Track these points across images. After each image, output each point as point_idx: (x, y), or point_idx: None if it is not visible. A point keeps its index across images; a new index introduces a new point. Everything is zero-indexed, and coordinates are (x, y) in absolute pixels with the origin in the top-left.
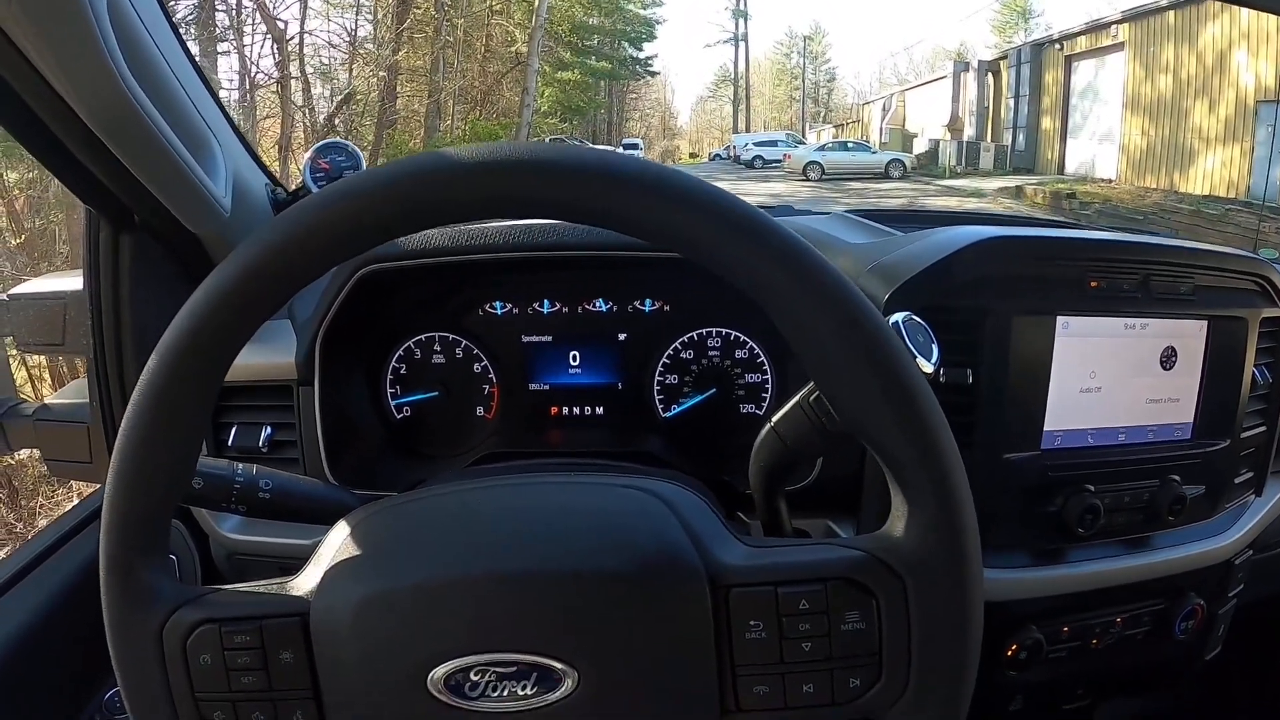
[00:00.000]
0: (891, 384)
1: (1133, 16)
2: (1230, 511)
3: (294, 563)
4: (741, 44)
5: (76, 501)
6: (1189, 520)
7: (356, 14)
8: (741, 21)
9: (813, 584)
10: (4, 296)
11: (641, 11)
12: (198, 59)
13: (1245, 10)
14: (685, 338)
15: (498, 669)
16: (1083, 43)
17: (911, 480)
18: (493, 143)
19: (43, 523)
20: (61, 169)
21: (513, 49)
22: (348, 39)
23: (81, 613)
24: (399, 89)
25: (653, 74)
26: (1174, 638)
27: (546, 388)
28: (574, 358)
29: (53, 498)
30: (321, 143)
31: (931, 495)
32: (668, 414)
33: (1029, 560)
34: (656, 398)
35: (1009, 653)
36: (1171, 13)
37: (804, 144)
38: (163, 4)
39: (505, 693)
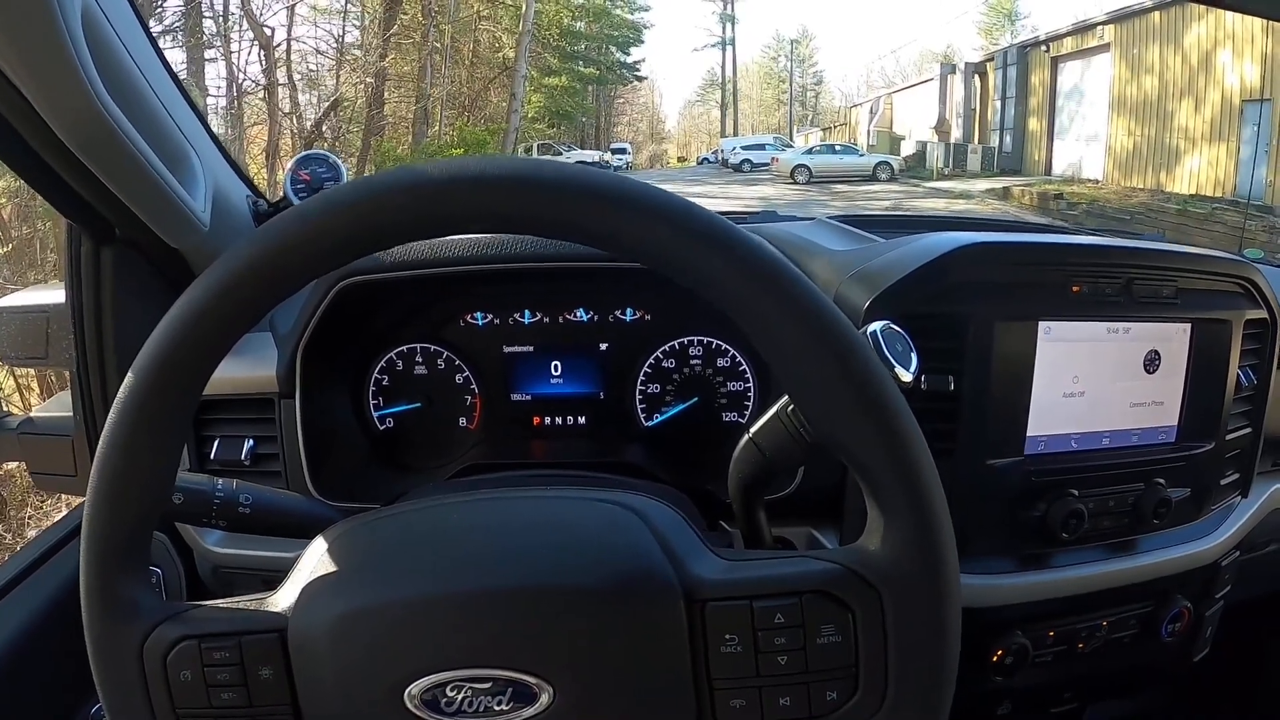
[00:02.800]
0: (865, 397)
1: (1118, 18)
2: (1216, 513)
3: (278, 575)
4: (729, 48)
5: (66, 512)
6: (1174, 523)
7: (344, 20)
8: (729, 26)
9: (788, 597)
10: None
11: (629, 16)
12: (184, 67)
13: (1229, 12)
14: (666, 346)
15: (474, 685)
16: (1069, 44)
17: (887, 493)
18: (467, 157)
19: (32, 533)
20: (41, 182)
21: (500, 55)
22: (335, 45)
23: (68, 626)
24: (386, 95)
25: (640, 79)
26: (1161, 640)
27: (528, 398)
28: (555, 368)
29: (41, 508)
30: (302, 154)
31: (907, 508)
32: (650, 423)
33: (1013, 566)
34: (638, 407)
35: (995, 658)
36: (1157, 14)
37: (791, 147)
38: (140, 16)
39: (481, 708)
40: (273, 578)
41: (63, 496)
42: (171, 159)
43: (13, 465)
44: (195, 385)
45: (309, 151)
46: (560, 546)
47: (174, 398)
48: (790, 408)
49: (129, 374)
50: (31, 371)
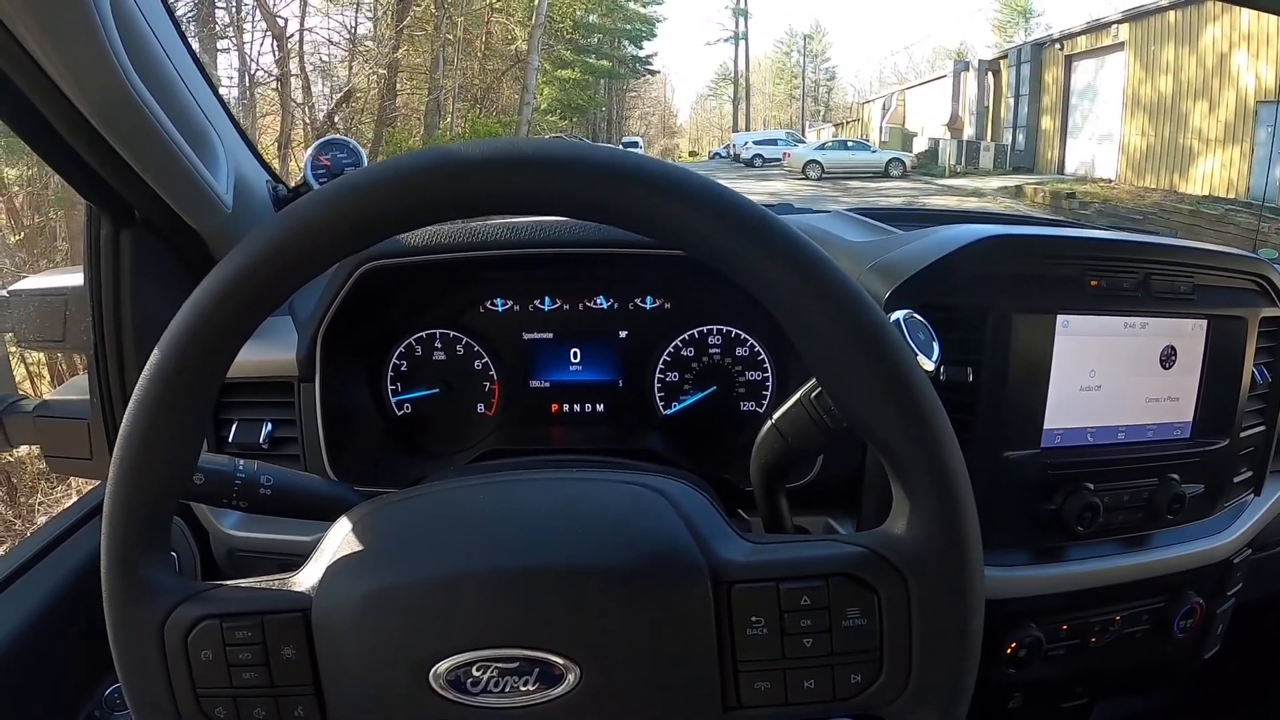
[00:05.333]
0: (894, 381)
1: (1133, 16)
2: (1229, 511)
3: (294, 559)
4: (742, 42)
5: (76, 498)
6: (1188, 519)
7: (356, 11)
8: (742, 20)
9: (814, 580)
10: (4, 293)
11: (642, 9)
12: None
13: (1246, 11)
14: (686, 335)
15: (500, 665)
16: (1083, 42)
17: (913, 477)
18: (497, 139)
19: (42, 519)
20: (62, 164)
21: (513, 47)
22: (348, 36)
23: (82, 609)
24: (398, 86)
25: (653, 72)
26: (1172, 636)
27: (547, 385)
28: (575, 355)
29: (51, 494)
30: (323, 139)
31: (933, 492)
32: (668, 411)
33: (1028, 558)
34: (657, 395)
35: (1008, 651)
36: (1172, 13)
37: (804, 143)
38: (165, 1)
39: (507, 688)
40: (289, 561)
41: (73, 483)
42: (195, 140)
43: (23, 452)
44: (220, 366)
45: (330, 137)
46: (587, 528)
47: (198, 378)
48: (814, 394)
49: (154, 353)
50: (42, 358)
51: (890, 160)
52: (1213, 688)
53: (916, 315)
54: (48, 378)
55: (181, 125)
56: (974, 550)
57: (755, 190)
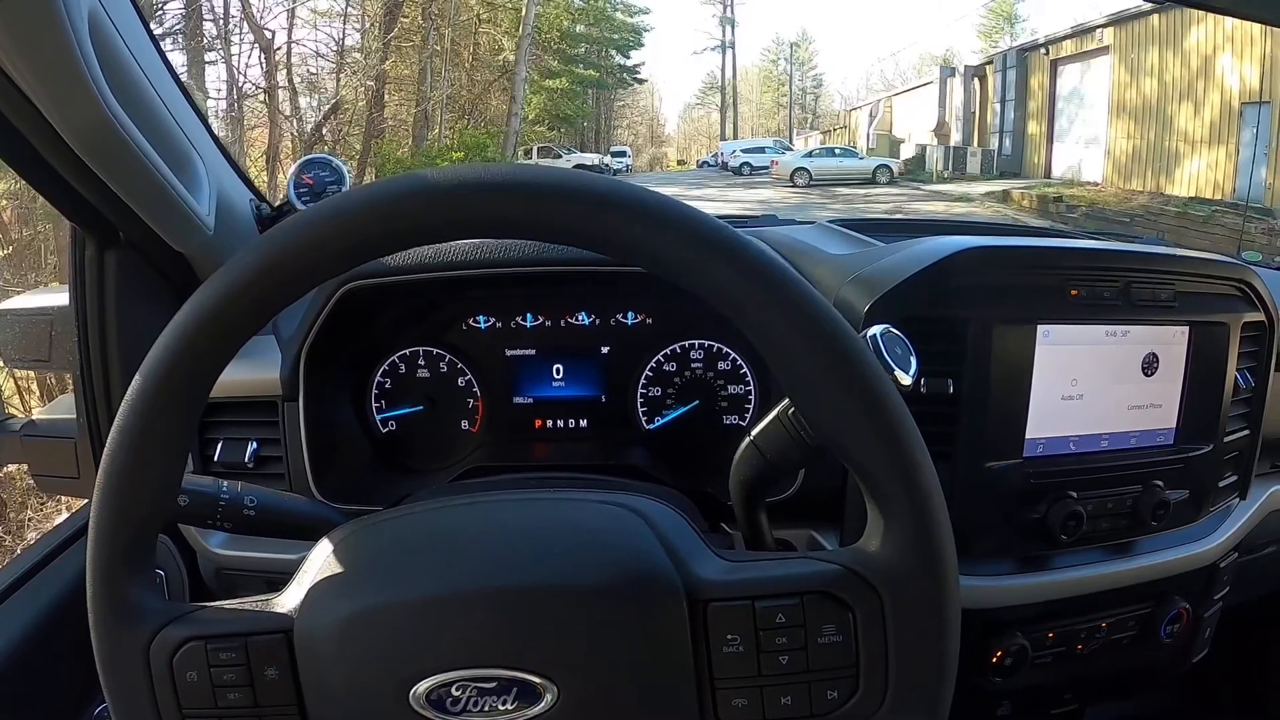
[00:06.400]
0: (865, 400)
1: (1118, 21)
2: (1214, 515)
3: (281, 578)
4: (729, 51)
5: (66, 515)
6: (1173, 525)
7: (344, 23)
8: (729, 29)
9: (789, 598)
10: None
11: (629, 19)
12: (185, 69)
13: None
14: (668, 350)
15: (479, 684)
16: (1068, 47)
17: (887, 494)
18: (472, 165)
19: (32, 536)
20: (46, 186)
21: (500, 58)
22: (335, 49)
23: (72, 628)
24: (387, 98)
25: (640, 82)
26: (1160, 641)
27: (530, 401)
28: (557, 371)
29: (42, 510)
30: (305, 158)
31: (907, 509)
32: (651, 426)
33: (1013, 568)
34: (640, 410)
35: (994, 659)
36: (1156, 17)
37: (791, 150)
38: (145, 21)
39: (486, 708)
40: (276, 579)
41: (63, 499)
42: (176, 163)
43: (13, 468)
44: (202, 390)
45: (312, 155)
46: (564, 548)
47: (181, 400)
48: (791, 410)
49: (136, 376)
50: (31, 374)
51: (878, 167)
52: (1202, 691)
53: (894, 330)
54: (37, 393)
55: (162, 149)
56: (949, 566)
57: (743, 199)
